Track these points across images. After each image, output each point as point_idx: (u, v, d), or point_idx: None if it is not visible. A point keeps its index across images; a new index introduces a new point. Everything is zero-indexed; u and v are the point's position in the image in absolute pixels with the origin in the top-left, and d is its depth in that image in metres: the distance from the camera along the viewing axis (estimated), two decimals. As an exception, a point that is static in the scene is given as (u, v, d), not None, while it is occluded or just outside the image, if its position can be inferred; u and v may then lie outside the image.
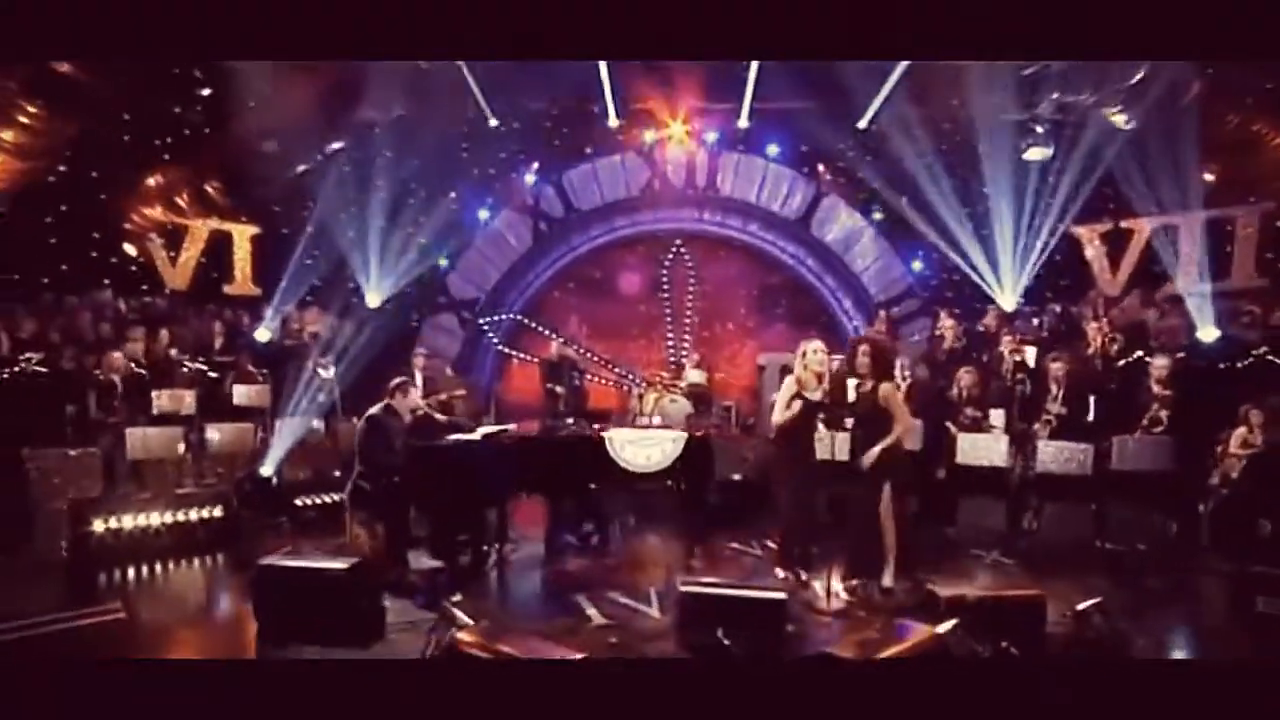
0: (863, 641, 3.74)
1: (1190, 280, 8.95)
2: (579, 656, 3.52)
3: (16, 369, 7.34)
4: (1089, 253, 10.52)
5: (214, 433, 7.63)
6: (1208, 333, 8.00)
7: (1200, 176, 9.28)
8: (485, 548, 6.28)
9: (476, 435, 6.34)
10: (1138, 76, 8.75)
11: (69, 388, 7.58)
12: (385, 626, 4.56)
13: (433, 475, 5.87)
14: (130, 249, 10.45)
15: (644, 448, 6.10)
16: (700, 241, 12.05)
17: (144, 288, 10.42)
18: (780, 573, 5.47)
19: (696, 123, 11.38)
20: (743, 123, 11.13)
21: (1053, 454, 6.72)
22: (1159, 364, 7.08)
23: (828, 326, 11.16)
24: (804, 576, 5.40)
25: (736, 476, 7.66)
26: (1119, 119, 9.41)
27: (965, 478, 6.96)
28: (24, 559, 6.15)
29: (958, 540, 6.70)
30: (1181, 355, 7.53)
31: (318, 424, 8.28)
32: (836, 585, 5.13)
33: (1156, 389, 6.99)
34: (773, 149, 11.55)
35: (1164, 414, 6.87)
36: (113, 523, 6.26)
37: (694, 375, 10.50)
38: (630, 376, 10.97)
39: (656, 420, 8.04)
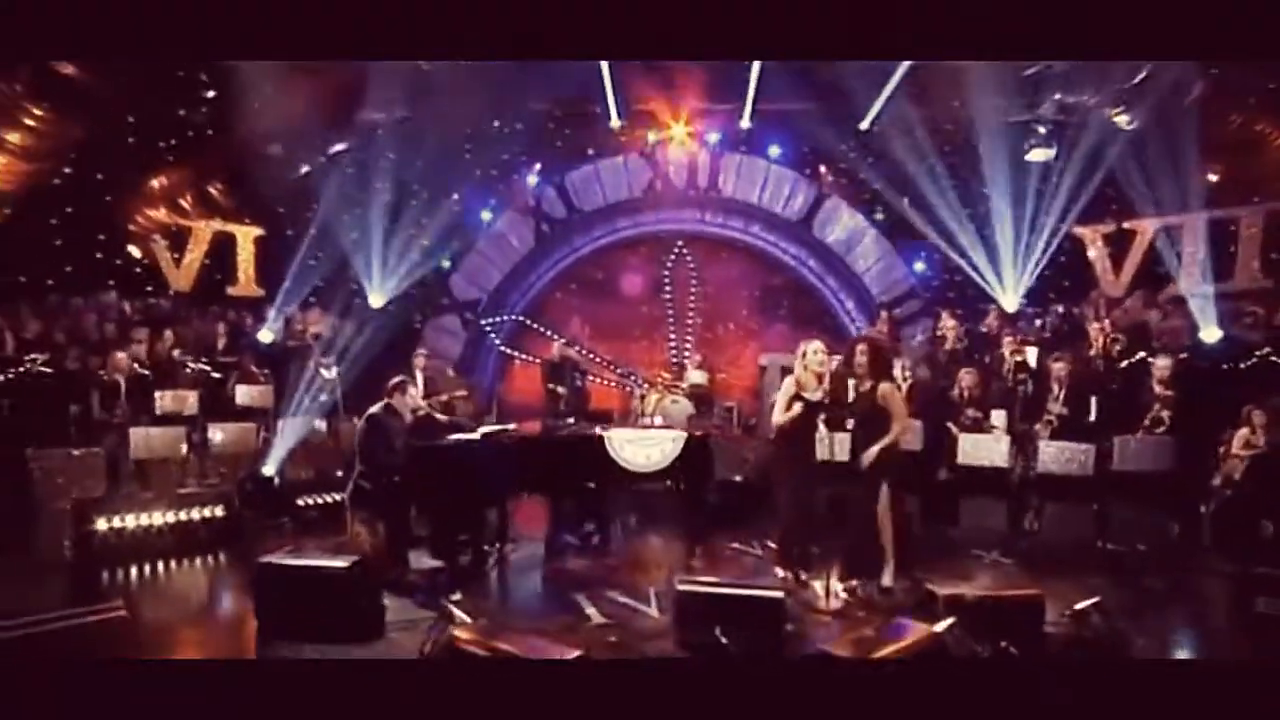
0: (861, 640, 3.74)
1: (1193, 281, 8.93)
2: (575, 654, 3.52)
3: (21, 369, 7.39)
4: (1092, 253, 10.49)
5: (217, 433, 7.66)
6: (1210, 333, 7.99)
7: (1203, 177, 9.26)
8: (486, 547, 6.29)
9: (477, 435, 6.34)
10: (1140, 77, 8.74)
11: (73, 388, 7.64)
12: (385, 625, 4.59)
13: (433, 475, 5.88)
14: (135, 250, 10.51)
15: (644, 447, 6.10)
16: (702, 242, 12.03)
17: (148, 289, 10.47)
18: (780, 572, 5.47)
19: (698, 124, 11.36)
20: (745, 124, 11.10)
21: (1054, 454, 6.71)
22: (1161, 364, 7.07)
23: (830, 328, 11.08)
24: (803, 576, 5.40)
25: (737, 477, 7.66)
26: (1121, 119, 9.41)
27: (967, 478, 6.96)
28: (28, 558, 6.18)
29: (960, 541, 6.69)
30: (1184, 356, 7.52)
31: (320, 424, 8.31)
32: (835, 585, 5.13)
33: (1159, 389, 6.98)
34: (775, 150, 11.53)
35: (1166, 414, 6.87)
36: (116, 522, 6.28)
37: (696, 376, 10.49)
38: (632, 377, 10.95)
39: (658, 421, 8.02)
